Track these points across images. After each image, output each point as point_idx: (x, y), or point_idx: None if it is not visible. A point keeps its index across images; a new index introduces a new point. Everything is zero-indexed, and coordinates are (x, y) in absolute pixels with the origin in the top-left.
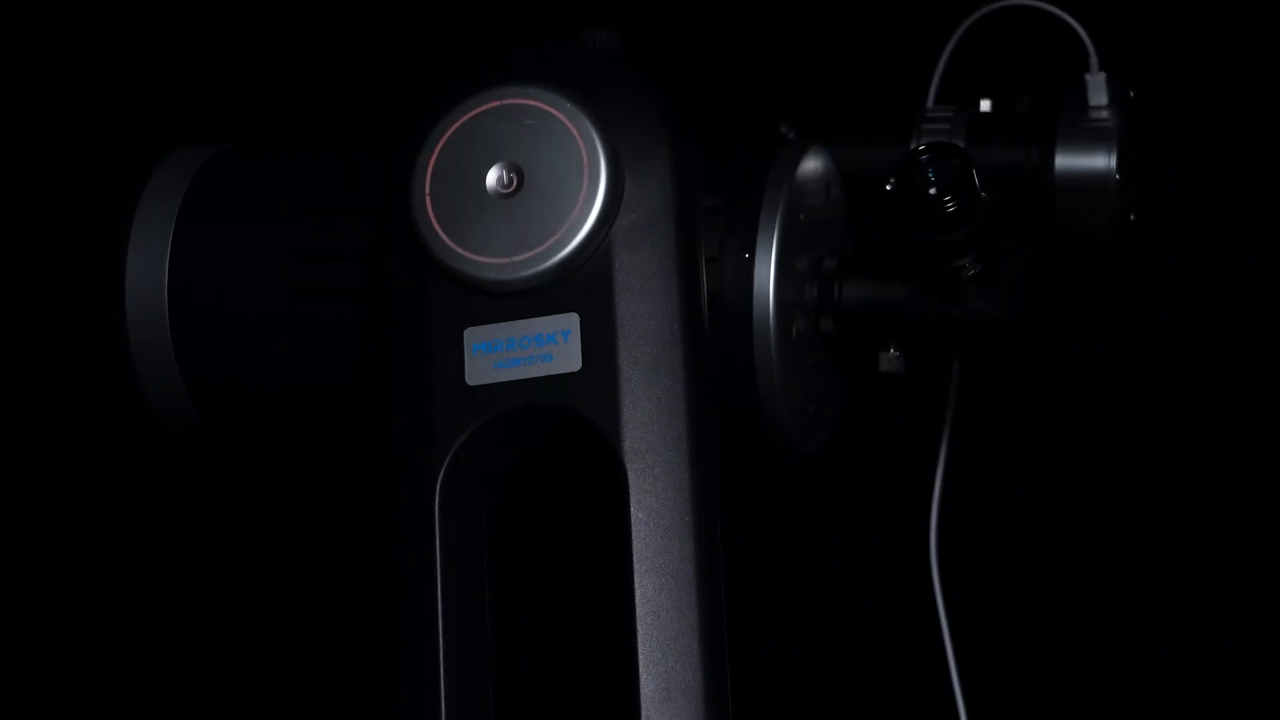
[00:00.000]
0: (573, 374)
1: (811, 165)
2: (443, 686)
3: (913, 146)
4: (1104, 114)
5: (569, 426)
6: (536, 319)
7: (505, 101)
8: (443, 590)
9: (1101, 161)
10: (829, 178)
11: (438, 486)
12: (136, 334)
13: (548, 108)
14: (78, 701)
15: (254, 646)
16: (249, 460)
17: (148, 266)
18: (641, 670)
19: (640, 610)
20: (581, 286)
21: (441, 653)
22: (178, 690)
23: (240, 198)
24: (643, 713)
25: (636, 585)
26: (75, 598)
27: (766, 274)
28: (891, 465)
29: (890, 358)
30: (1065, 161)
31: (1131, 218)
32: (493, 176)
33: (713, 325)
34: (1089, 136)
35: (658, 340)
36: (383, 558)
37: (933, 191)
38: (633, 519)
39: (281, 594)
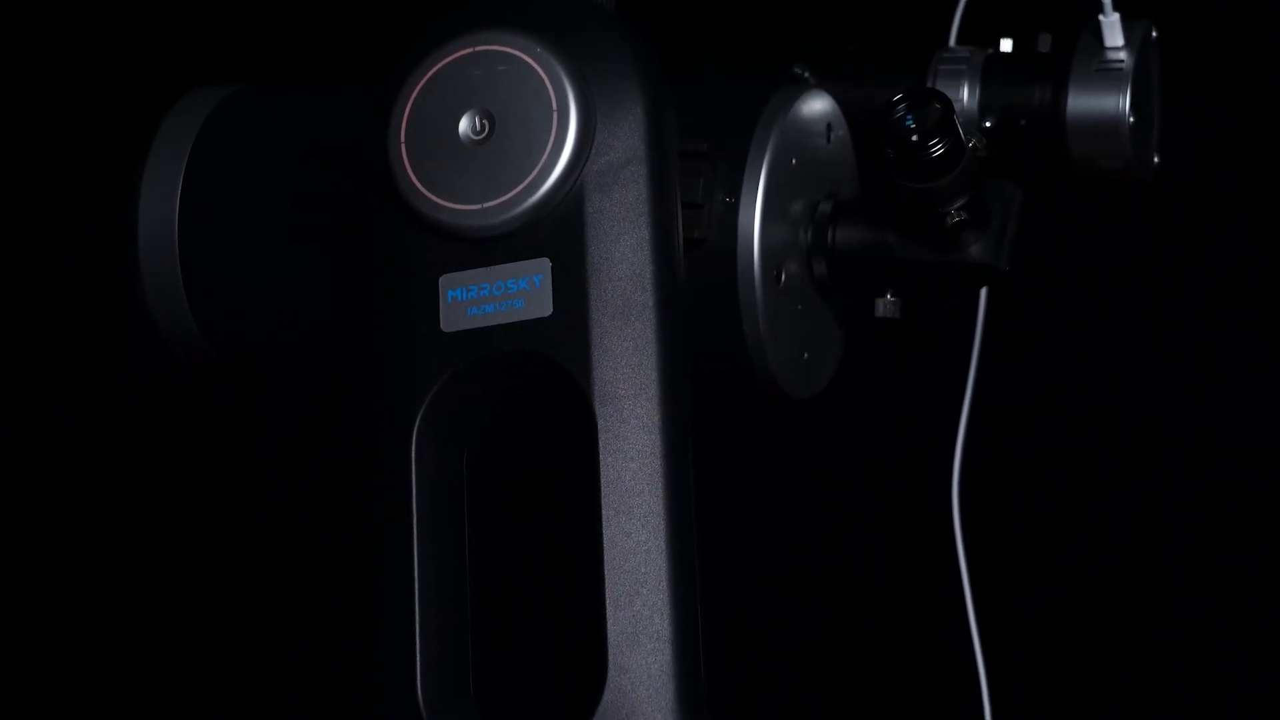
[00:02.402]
0: (544, 319)
1: (810, 107)
2: (418, 623)
3: (928, 86)
4: (1119, 55)
5: (542, 371)
6: (508, 265)
7: (478, 48)
8: (418, 533)
9: (1112, 104)
10: (830, 119)
11: (414, 432)
12: (149, 272)
13: (519, 53)
14: (77, 701)
15: (253, 646)
16: (248, 460)
17: (160, 206)
18: (609, 613)
19: (608, 553)
20: (553, 231)
21: (417, 592)
22: (176, 690)
23: (248, 138)
24: (610, 656)
25: (605, 529)
26: (74, 597)
27: (751, 218)
28: (893, 412)
29: (886, 303)
30: (1077, 103)
31: (1155, 159)
32: (465, 123)
33: (698, 271)
34: (1101, 79)
35: (628, 283)
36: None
37: (914, 139)
38: (602, 462)
39: (281, 593)
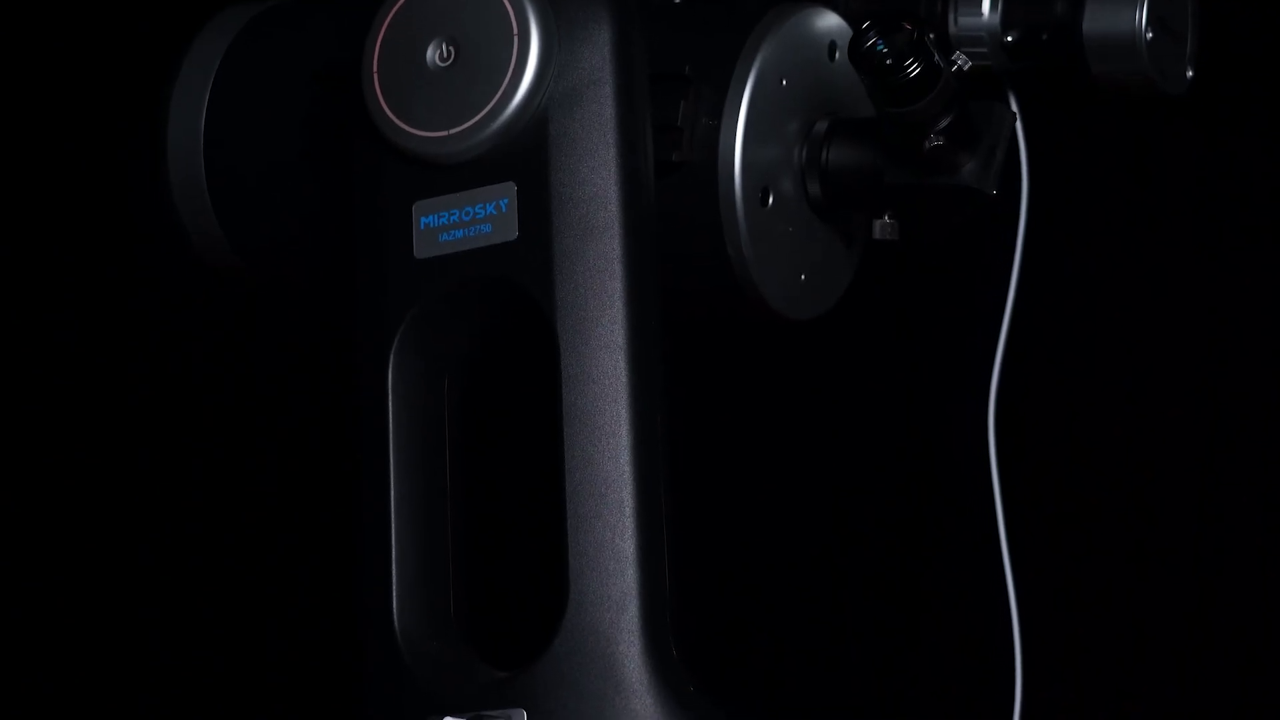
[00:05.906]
0: (510, 243)
1: (809, 25)
2: (394, 545)
3: (899, 9)
4: None
5: (510, 296)
6: (476, 190)
7: None
8: (395, 457)
9: (1128, 18)
10: (835, 37)
11: (391, 357)
12: (178, 180)
13: None
14: (76, 700)
15: (250, 645)
16: (246, 460)
17: (188, 119)
18: (570, 536)
19: (569, 475)
20: (518, 155)
21: (393, 515)
22: (174, 689)
23: (272, 55)
24: (570, 578)
25: (566, 450)
26: (73, 597)
27: (732, 138)
28: (895, 336)
29: (884, 225)
30: (1094, 18)
31: (1189, 74)
32: (431, 51)
33: (683, 193)
34: None
35: (592, 205)
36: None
37: (887, 63)
38: (563, 384)
39: (277, 591)
